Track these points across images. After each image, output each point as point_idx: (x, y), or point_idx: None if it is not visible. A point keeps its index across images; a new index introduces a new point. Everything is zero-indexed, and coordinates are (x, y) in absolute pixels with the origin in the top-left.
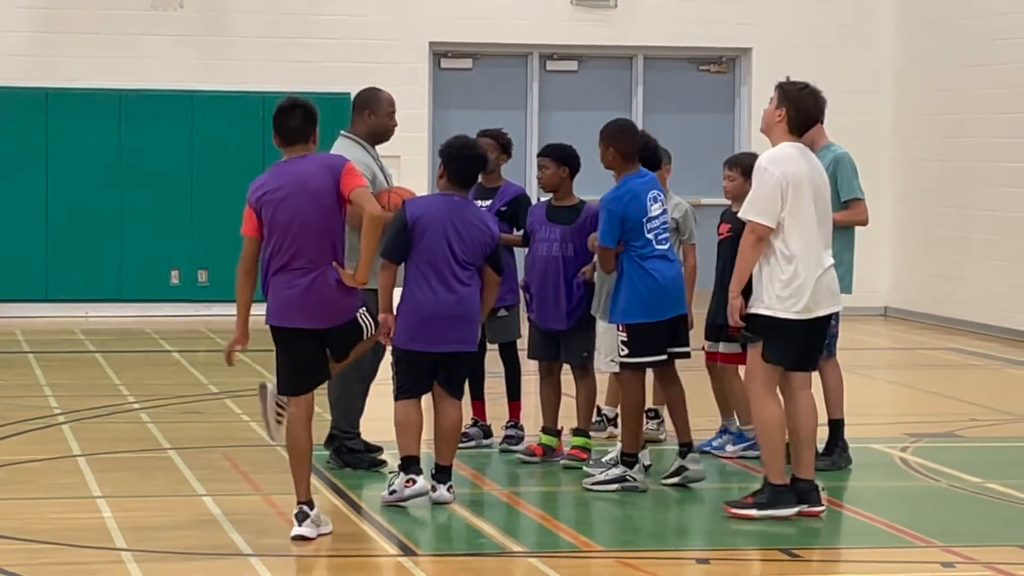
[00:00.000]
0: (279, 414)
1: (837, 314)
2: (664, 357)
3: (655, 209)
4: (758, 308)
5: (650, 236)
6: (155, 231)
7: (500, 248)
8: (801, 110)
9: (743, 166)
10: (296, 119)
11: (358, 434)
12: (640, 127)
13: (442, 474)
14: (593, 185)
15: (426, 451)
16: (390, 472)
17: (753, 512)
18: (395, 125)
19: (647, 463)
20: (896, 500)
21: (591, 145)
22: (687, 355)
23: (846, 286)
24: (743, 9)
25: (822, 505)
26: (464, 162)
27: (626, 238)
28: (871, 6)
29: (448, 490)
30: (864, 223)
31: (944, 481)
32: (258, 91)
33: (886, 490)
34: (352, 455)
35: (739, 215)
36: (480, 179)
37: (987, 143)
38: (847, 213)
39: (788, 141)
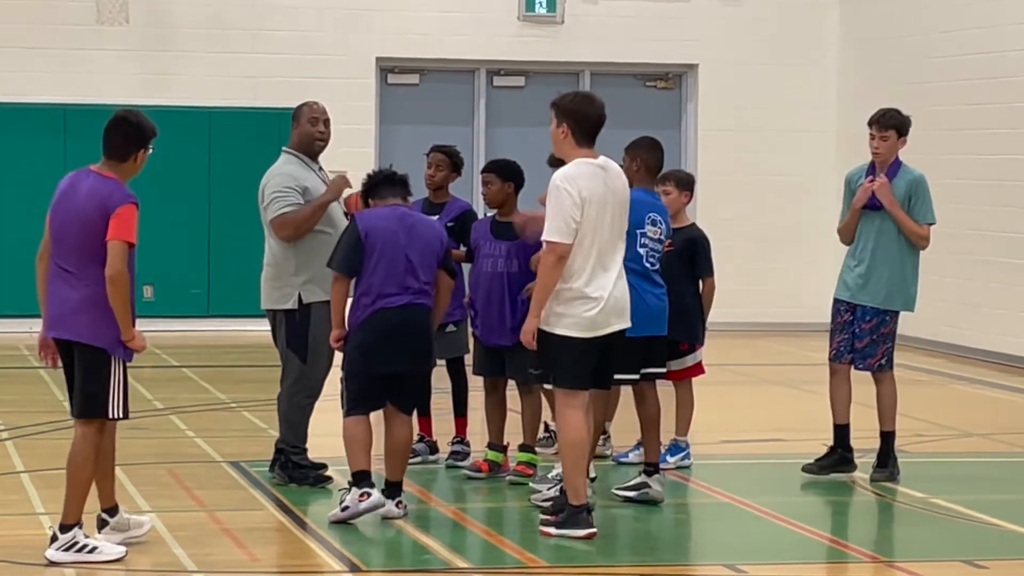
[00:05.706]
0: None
1: (884, 324)
2: (636, 377)
3: (652, 232)
4: (555, 328)
5: (641, 251)
6: None
7: (450, 251)
8: (581, 119)
9: (676, 179)
10: (116, 135)
11: (305, 450)
12: None
13: (392, 489)
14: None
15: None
16: (340, 489)
17: (551, 530)
18: (319, 131)
19: (592, 476)
20: (842, 515)
21: (538, 161)
22: (662, 376)
23: (910, 301)
24: (689, 25)
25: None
26: (390, 180)
27: None
28: (815, 23)
29: (397, 505)
30: (924, 245)
31: (889, 496)
32: (204, 106)
33: (832, 505)
34: (298, 471)
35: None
36: (428, 194)
37: (930, 159)
38: (915, 226)
39: (582, 156)
